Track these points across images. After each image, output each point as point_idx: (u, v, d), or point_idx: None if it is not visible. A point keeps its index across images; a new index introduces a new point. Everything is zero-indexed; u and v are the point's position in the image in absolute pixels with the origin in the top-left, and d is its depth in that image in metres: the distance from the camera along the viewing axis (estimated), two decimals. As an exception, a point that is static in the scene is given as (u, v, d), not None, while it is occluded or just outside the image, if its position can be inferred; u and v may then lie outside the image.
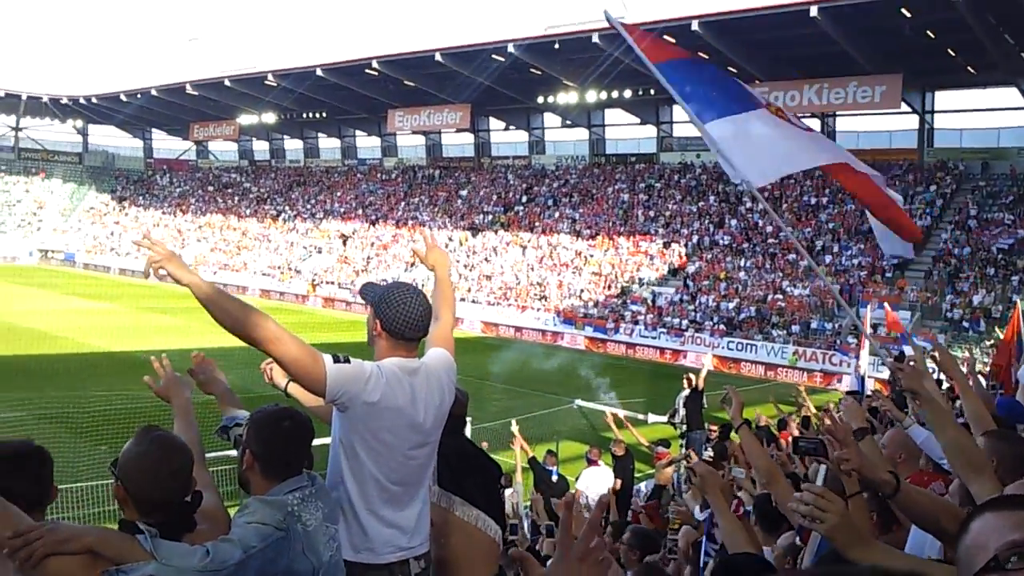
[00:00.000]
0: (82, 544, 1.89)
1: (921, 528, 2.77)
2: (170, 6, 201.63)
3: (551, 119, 52.74)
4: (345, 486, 2.69)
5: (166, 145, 75.54)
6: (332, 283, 46.81)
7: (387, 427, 2.67)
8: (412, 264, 43.84)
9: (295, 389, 3.28)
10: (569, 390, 20.93)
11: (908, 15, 29.67)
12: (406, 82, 47.97)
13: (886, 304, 18.56)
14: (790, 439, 9.54)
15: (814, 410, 11.89)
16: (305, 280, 48.08)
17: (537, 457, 10.58)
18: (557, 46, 38.94)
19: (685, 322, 33.45)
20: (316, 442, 2.57)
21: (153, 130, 73.82)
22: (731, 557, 3.06)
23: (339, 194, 58.47)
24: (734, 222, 39.21)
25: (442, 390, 2.85)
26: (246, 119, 61.71)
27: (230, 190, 65.61)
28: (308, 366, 2.56)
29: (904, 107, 37.52)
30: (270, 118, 60.08)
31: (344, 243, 51.70)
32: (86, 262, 59.86)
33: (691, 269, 37.25)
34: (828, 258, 34.28)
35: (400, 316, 2.79)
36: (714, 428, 10.93)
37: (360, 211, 54.85)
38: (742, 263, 36.17)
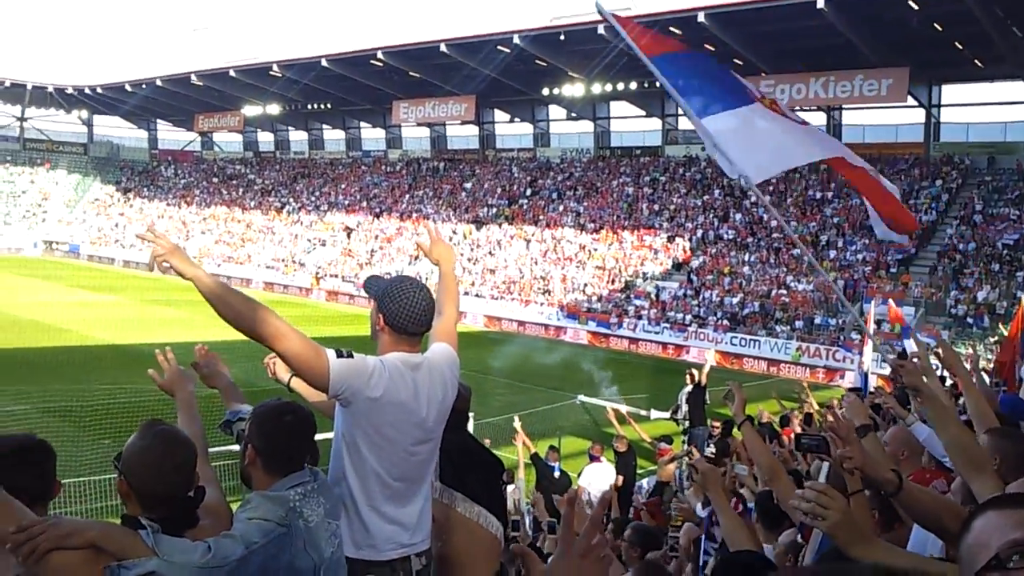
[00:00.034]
0: (85, 539, 1.89)
1: (923, 527, 2.77)
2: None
3: (556, 111, 52.68)
4: (347, 482, 2.69)
5: (171, 136, 75.63)
6: (336, 276, 46.83)
7: (390, 422, 2.67)
8: (416, 257, 43.85)
9: (298, 384, 3.28)
10: (572, 385, 20.93)
11: (915, 7, 29.56)
12: (411, 73, 47.95)
13: (891, 301, 18.54)
14: (792, 436, 9.54)
15: (817, 407, 11.89)
16: (309, 273, 48.11)
17: (539, 453, 10.58)
18: (562, 37, 38.86)
19: (688, 317, 33.42)
20: (318, 437, 2.57)
21: (158, 121, 73.85)
22: (732, 555, 3.06)
23: (343, 186, 58.47)
24: (739, 216, 39.13)
25: (445, 385, 2.85)
26: (251, 110, 61.73)
27: (235, 182, 65.65)
28: (311, 361, 2.56)
29: (911, 101, 37.37)
30: (275, 109, 60.13)
31: (348, 236, 51.72)
32: (90, 254, 59.93)
33: (695, 263, 37.20)
34: (832, 253, 34.20)
35: (403, 311, 2.78)
36: (716, 424, 10.91)
37: (364, 203, 54.85)
38: (746, 257, 36.10)
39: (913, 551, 2.86)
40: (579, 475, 10.42)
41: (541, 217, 45.88)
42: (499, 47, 41.31)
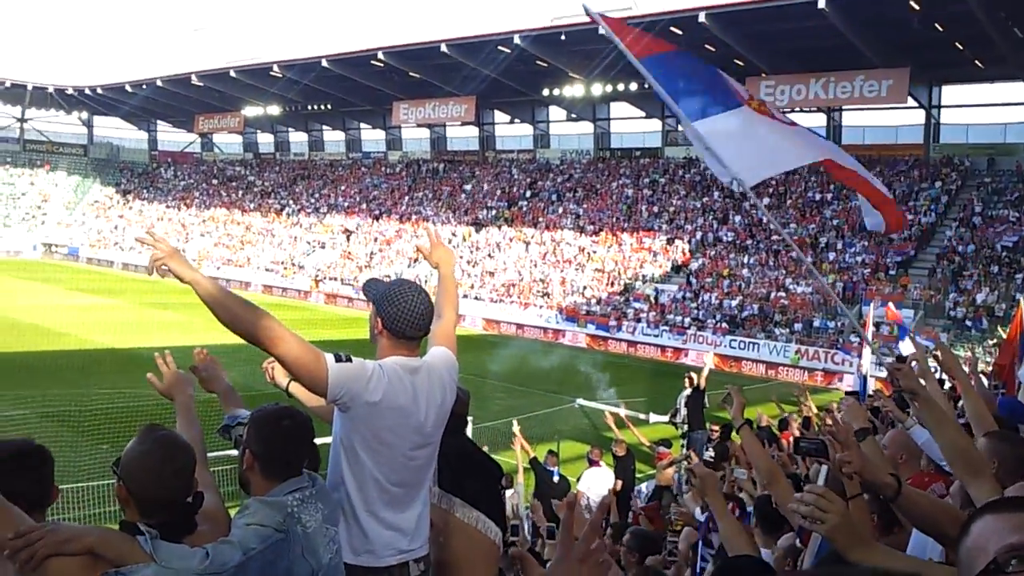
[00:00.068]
0: (83, 545, 1.89)
1: (922, 531, 2.77)
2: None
3: (556, 113, 52.74)
4: (345, 487, 2.68)
5: (171, 137, 75.66)
6: (335, 279, 46.83)
7: (388, 427, 2.66)
8: (415, 260, 43.87)
9: (297, 388, 3.27)
10: (571, 389, 20.93)
11: (916, 8, 29.57)
12: (411, 74, 47.98)
13: (890, 304, 18.55)
14: (791, 439, 9.54)
15: (815, 410, 11.88)
16: (308, 276, 48.11)
17: (538, 457, 10.57)
18: (563, 37, 38.86)
19: (688, 320, 33.42)
20: (317, 441, 2.57)
21: (158, 122, 73.91)
22: (731, 559, 3.06)
23: (343, 188, 58.49)
24: (738, 218, 39.14)
25: (444, 389, 2.85)
26: (251, 111, 61.78)
27: (234, 183, 65.66)
28: (310, 365, 2.55)
29: (911, 102, 37.38)
30: (275, 110, 60.18)
31: (348, 238, 51.72)
32: (90, 256, 59.92)
33: (694, 266, 37.21)
34: (832, 255, 34.22)
35: (401, 315, 2.78)
36: (715, 428, 10.90)
37: (364, 205, 54.87)
38: (745, 260, 36.12)
39: (912, 555, 2.86)
40: (578, 480, 10.41)
41: (540, 219, 45.90)
42: (499, 47, 41.33)
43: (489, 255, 44.56)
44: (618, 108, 50.34)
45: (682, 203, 42.22)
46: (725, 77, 5.05)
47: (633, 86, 43.26)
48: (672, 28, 34.61)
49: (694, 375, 14.05)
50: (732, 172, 4.54)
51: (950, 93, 39.68)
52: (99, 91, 64.67)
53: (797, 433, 10.02)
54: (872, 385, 13.33)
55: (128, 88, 61.65)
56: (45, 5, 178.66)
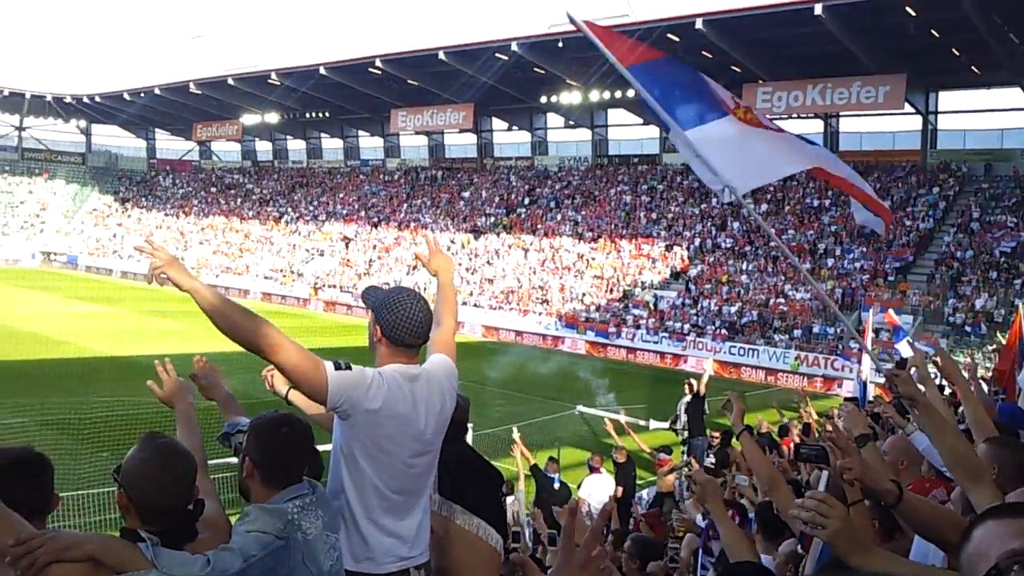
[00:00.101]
0: (84, 552, 1.89)
1: (923, 537, 2.76)
2: (173, 4, 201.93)
3: (554, 120, 52.81)
4: (345, 494, 2.68)
5: (169, 145, 75.71)
6: (334, 286, 46.83)
7: (388, 435, 2.66)
8: (414, 267, 43.87)
9: (296, 396, 3.28)
10: (570, 395, 20.92)
11: (913, 14, 29.66)
12: (409, 81, 48.05)
13: (890, 310, 18.55)
14: (792, 446, 9.53)
15: (816, 417, 11.88)
16: (307, 284, 48.10)
17: (539, 464, 10.55)
18: (560, 45, 38.93)
19: (687, 326, 33.43)
20: (319, 448, 2.57)
21: (156, 130, 74.00)
22: (733, 566, 3.06)
23: (341, 195, 58.54)
24: (736, 224, 39.17)
25: (443, 396, 2.85)
26: (249, 119, 61.86)
27: (233, 191, 65.71)
28: (309, 373, 2.55)
29: (908, 108, 37.46)
30: (273, 118, 60.24)
31: (346, 246, 51.74)
32: (88, 265, 59.91)
33: (693, 272, 37.22)
34: (830, 261, 34.25)
35: (400, 323, 2.78)
36: (716, 434, 10.90)
37: (362, 213, 54.91)
38: (744, 266, 36.14)
39: (915, 561, 2.85)
40: (579, 486, 10.39)
41: (539, 226, 45.93)
42: (497, 54, 41.42)
43: (488, 262, 44.58)
44: (616, 115, 50.44)
45: (680, 210, 42.27)
46: (712, 85, 5.03)
47: (631, 93, 43.11)
48: (669, 35, 34.70)
49: (694, 381, 14.03)
50: (724, 180, 4.54)
51: (947, 99, 39.80)
52: (97, 99, 64.74)
53: (797, 439, 10.01)
54: (872, 391, 13.32)
55: (126, 96, 61.74)
56: (43, 14, 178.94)
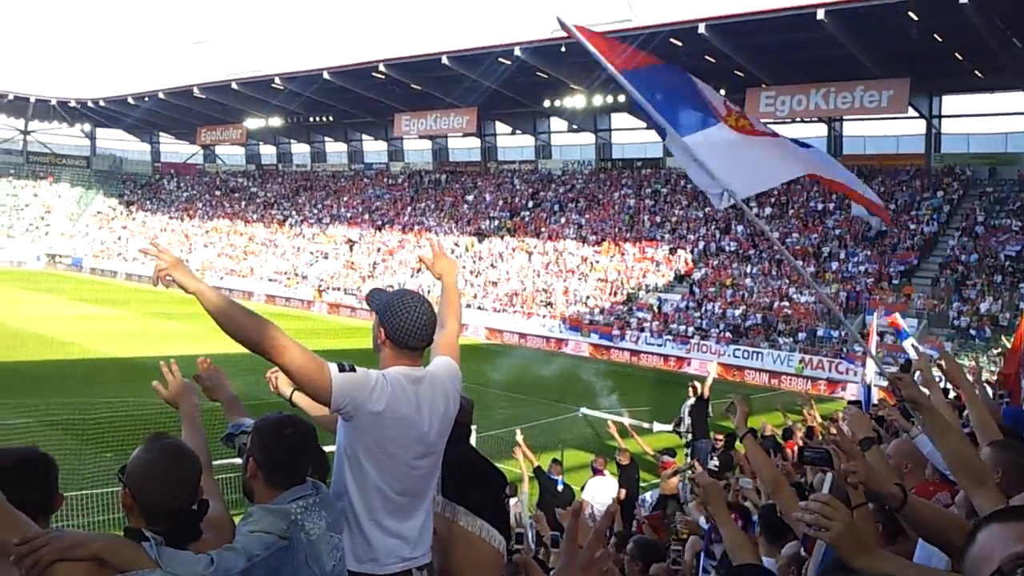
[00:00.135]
0: (88, 551, 1.89)
1: (927, 541, 2.76)
2: (177, 9, 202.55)
3: (557, 124, 52.87)
4: (349, 496, 2.69)
5: (173, 149, 75.95)
6: (338, 289, 46.89)
7: (392, 437, 2.67)
8: (418, 270, 43.90)
9: (300, 398, 3.28)
10: (574, 398, 20.91)
11: (916, 18, 29.65)
12: (413, 85, 48.15)
13: (896, 314, 18.50)
14: (796, 449, 9.52)
15: (820, 420, 11.86)
16: (311, 286, 48.16)
17: (542, 466, 10.55)
18: (563, 49, 38.95)
19: (691, 329, 33.40)
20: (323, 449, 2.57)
21: (161, 134, 74.21)
22: (736, 568, 3.05)
23: (346, 199, 58.62)
24: (740, 228, 39.14)
25: (447, 398, 2.85)
26: (253, 123, 62.01)
27: (237, 195, 65.84)
28: (313, 375, 2.56)
29: (911, 112, 37.43)
30: (277, 122, 60.39)
31: (350, 248, 51.80)
32: (93, 267, 60.04)
33: (697, 275, 37.20)
34: (835, 264, 34.20)
35: (404, 325, 2.79)
36: (719, 437, 10.89)
37: (367, 216, 54.97)
38: (748, 269, 36.11)
39: (919, 563, 2.84)
40: (582, 488, 10.38)
41: (543, 229, 45.94)
42: (500, 59, 41.48)
43: (492, 265, 44.60)
44: (619, 119, 50.47)
45: (684, 213, 42.25)
46: (704, 91, 5.02)
47: (634, 97, 43.30)
48: (672, 40, 34.73)
49: (698, 384, 14.01)
50: (723, 184, 4.54)
51: (950, 103, 39.77)
52: (102, 103, 64.99)
53: (801, 442, 9.99)
54: (876, 395, 13.29)
55: (131, 100, 61.96)
56: (48, 18, 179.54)
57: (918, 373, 4.16)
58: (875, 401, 11.75)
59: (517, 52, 40.09)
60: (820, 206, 38.27)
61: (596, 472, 10.41)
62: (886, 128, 41.52)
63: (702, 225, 40.60)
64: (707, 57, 35.48)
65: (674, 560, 5.31)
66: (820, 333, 30.71)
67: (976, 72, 34.94)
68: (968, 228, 33.80)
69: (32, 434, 13.96)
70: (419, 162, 59.91)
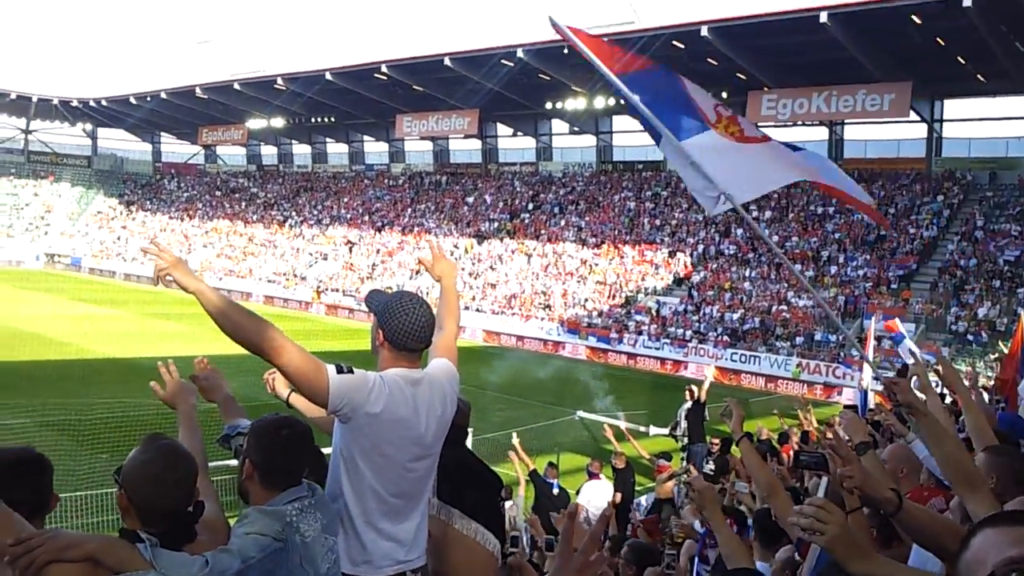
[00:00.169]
0: (83, 551, 1.89)
1: (922, 546, 2.76)
2: (180, 9, 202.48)
3: (558, 126, 52.89)
4: (344, 498, 2.69)
5: (175, 149, 75.93)
6: (337, 290, 46.87)
7: (388, 439, 2.67)
8: (417, 272, 43.90)
9: (297, 399, 3.28)
10: (571, 401, 20.90)
11: (918, 22, 29.65)
12: (414, 87, 48.16)
13: (896, 319, 18.50)
14: (791, 453, 9.52)
15: (816, 424, 11.86)
16: (310, 287, 48.14)
17: (538, 470, 10.54)
18: (565, 51, 38.88)
19: (689, 332, 33.40)
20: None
21: (162, 134, 74.21)
22: (730, 573, 3.06)
23: (346, 200, 58.62)
24: (740, 231, 39.14)
25: (444, 400, 2.85)
26: (255, 123, 62.01)
27: (237, 195, 65.83)
28: (311, 376, 2.56)
29: (913, 115, 37.43)
30: (279, 123, 60.40)
31: (350, 250, 51.80)
32: (92, 267, 60.00)
33: (696, 279, 37.20)
34: (834, 268, 34.20)
35: (403, 327, 2.79)
36: (716, 441, 10.88)
37: (366, 217, 54.97)
38: (747, 273, 36.11)
39: (913, 567, 2.85)
40: (577, 492, 10.36)
41: (543, 231, 45.95)
42: (502, 61, 41.45)
43: (491, 267, 44.59)
44: (620, 121, 50.42)
45: (684, 216, 42.25)
46: (694, 97, 5.00)
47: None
48: (675, 42, 34.75)
49: (695, 388, 13.98)
50: (721, 188, 4.54)
51: (952, 107, 39.76)
52: (103, 103, 65.00)
53: (797, 447, 10.00)
54: (872, 400, 13.30)
55: (132, 100, 61.97)
56: (50, 18, 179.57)
57: (915, 378, 4.17)
58: (871, 406, 11.76)
59: (519, 54, 40.08)
60: (820, 210, 38.28)
61: (592, 476, 10.38)
62: (887, 132, 41.54)
63: (701, 228, 40.60)
64: (709, 60, 35.50)
65: (669, 564, 5.31)
66: (818, 337, 30.71)
67: (978, 76, 34.92)
68: (968, 233, 33.81)
69: (28, 435, 13.95)
70: (420, 163, 59.91)
